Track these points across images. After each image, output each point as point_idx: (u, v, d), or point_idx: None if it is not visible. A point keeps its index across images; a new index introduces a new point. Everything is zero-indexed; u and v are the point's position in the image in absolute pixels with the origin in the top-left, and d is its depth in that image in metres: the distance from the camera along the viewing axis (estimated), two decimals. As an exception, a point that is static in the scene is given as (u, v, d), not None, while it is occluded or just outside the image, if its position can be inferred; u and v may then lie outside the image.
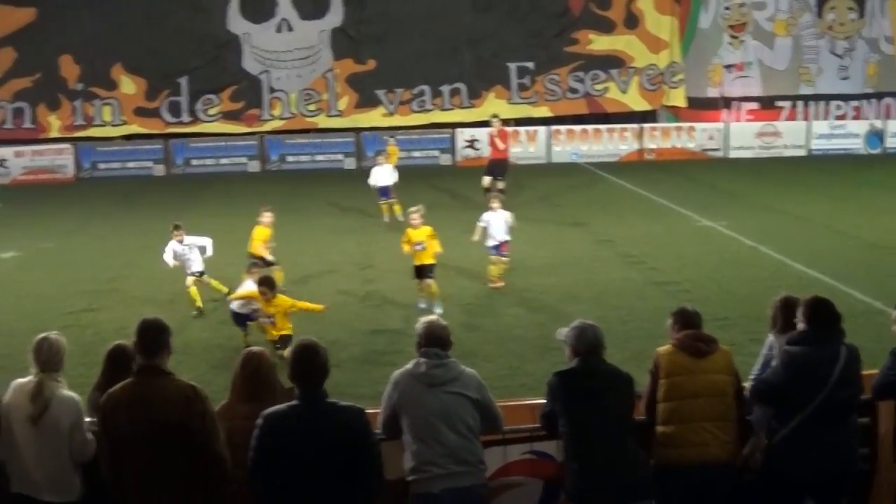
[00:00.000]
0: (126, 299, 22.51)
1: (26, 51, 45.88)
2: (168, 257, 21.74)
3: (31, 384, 8.84)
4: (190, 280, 21.31)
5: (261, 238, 22.48)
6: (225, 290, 20.96)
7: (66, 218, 34.56)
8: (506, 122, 41.75)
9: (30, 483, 8.82)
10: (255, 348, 9.49)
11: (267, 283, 17.14)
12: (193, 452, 8.16)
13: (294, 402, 8.12)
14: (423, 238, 20.40)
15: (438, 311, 19.11)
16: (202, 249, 21.84)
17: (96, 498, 8.86)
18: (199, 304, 21.03)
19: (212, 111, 46.41)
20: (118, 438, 8.20)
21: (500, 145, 32.07)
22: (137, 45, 45.40)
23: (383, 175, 30.93)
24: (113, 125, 46.51)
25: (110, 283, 24.13)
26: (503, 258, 22.75)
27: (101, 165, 45.98)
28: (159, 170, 45.87)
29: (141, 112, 46.36)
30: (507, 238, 22.60)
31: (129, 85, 46.19)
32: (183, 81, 46.06)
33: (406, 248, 20.67)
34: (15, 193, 41.55)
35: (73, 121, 46.55)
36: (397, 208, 29.67)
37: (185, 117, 46.41)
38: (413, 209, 21.00)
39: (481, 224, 22.72)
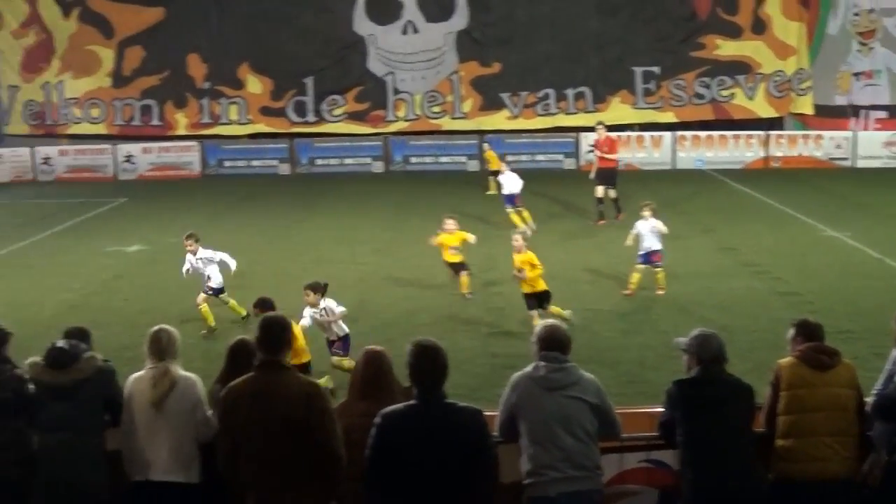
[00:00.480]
0: (248, 296, 22.64)
1: (155, 49, 46.94)
2: (184, 268, 21.33)
3: (153, 370, 9.24)
4: (202, 297, 20.69)
5: (448, 244, 22.49)
6: (243, 312, 20.49)
7: (191, 214, 35.04)
8: (627, 127, 41.71)
9: (152, 467, 9.13)
10: (375, 347, 9.53)
11: (260, 305, 15.92)
12: (311, 448, 8.23)
13: (412, 402, 8.16)
14: (522, 264, 19.46)
15: (568, 313, 19.12)
16: (222, 265, 21.14)
17: (214, 487, 9.07)
18: (212, 322, 20.47)
19: (337, 111, 46.73)
20: (238, 431, 8.31)
21: (610, 154, 31.61)
22: (264, 45, 46.02)
23: (509, 182, 30.33)
24: (239, 124, 47.22)
25: (233, 280, 24.38)
26: (656, 268, 22.34)
27: (227, 163, 46.73)
28: (284, 169, 46.40)
29: (267, 111, 46.94)
30: (659, 247, 22.27)
31: (255, 84, 46.81)
32: (309, 82, 46.49)
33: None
34: (141, 188, 42.33)
35: (200, 119, 47.39)
36: (526, 215, 29.25)
37: (311, 117, 46.83)
38: (517, 232, 20.62)
39: (633, 232, 22.55)
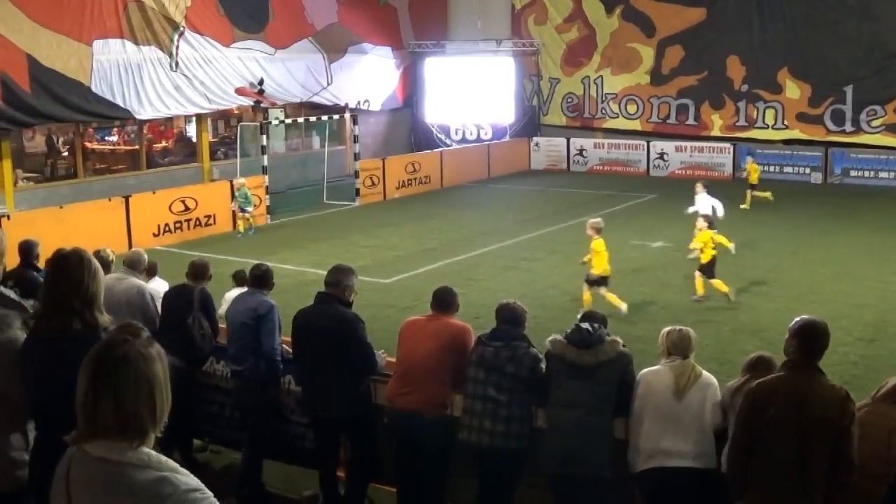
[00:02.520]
0: (768, 302, 22.66)
1: (694, 49, 47.50)
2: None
3: (677, 365, 9.79)
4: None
5: None
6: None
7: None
8: None
9: (668, 455, 9.50)
10: None
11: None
12: (829, 452, 8.24)
13: None
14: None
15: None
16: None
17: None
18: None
19: (875, 123, 45.14)
20: (763, 427, 8.37)
21: None
22: (805, 50, 45.19)
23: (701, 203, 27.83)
24: (774, 129, 46.68)
25: (754, 286, 24.34)
26: None
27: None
28: (816, 177, 45.44)
29: (803, 118, 46.10)
30: None
31: (793, 90, 46.09)
32: (848, 90, 45.18)
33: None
34: (671, 186, 42.78)
35: (736, 121, 47.30)
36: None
37: (848, 127, 45.43)
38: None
39: None
